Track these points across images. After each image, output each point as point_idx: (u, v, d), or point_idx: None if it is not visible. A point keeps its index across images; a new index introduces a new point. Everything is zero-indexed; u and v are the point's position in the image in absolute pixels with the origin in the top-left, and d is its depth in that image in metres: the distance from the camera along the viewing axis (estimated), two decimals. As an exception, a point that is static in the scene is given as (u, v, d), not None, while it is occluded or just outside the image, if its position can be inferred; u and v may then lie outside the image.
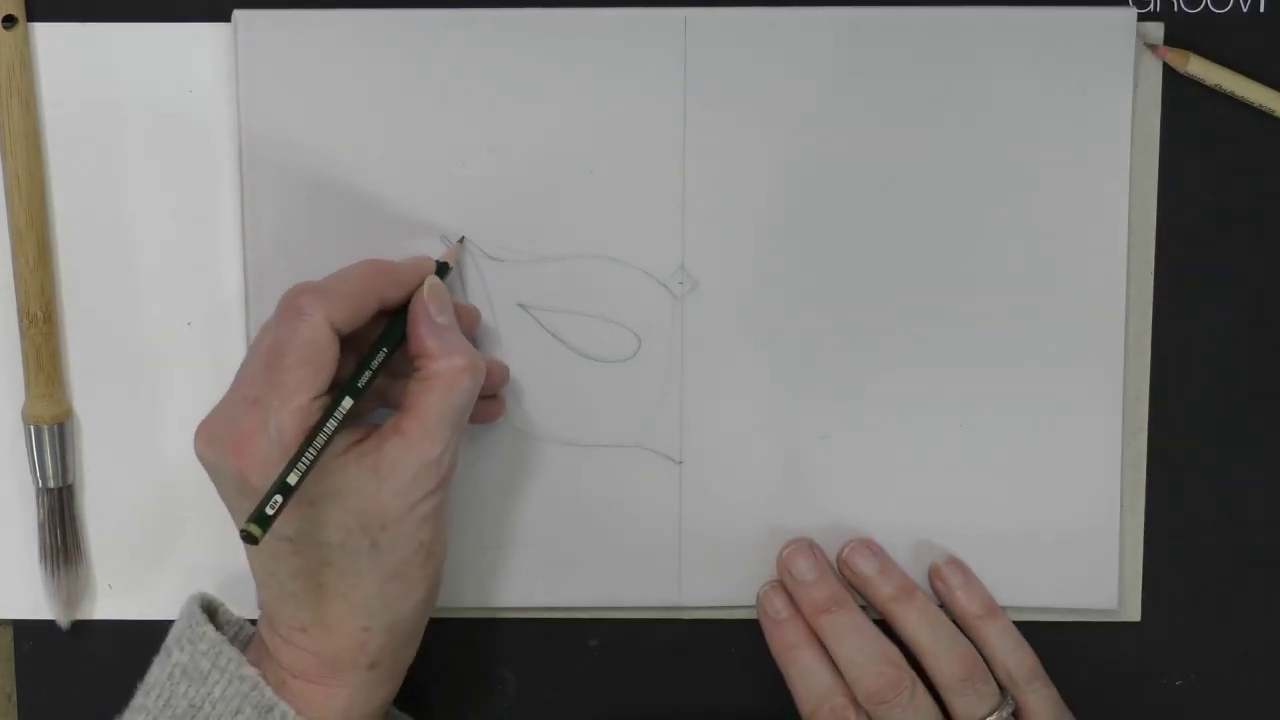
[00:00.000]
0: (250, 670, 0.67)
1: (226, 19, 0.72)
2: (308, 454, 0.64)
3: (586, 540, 0.75)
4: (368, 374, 0.67)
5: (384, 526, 0.66)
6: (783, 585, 0.74)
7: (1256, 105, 0.73)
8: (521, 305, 0.73)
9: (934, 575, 0.74)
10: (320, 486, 0.65)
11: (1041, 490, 0.74)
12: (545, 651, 0.76)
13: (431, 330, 0.67)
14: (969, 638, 0.73)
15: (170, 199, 0.73)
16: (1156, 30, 0.73)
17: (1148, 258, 0.74)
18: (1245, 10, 0.73)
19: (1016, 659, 0.73)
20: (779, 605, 0.74)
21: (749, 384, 0.74)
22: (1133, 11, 0.72)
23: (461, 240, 0.72)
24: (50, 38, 0.72)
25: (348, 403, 0.66)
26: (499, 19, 0.72)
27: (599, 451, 0.74)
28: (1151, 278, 0.74)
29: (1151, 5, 0.73)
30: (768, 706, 0.76)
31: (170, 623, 0.73)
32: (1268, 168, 0.74)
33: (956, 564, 0.74)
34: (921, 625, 0.72)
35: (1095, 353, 0.74)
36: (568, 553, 0.75)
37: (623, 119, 0.72)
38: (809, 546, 0.74)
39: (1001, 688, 0.72)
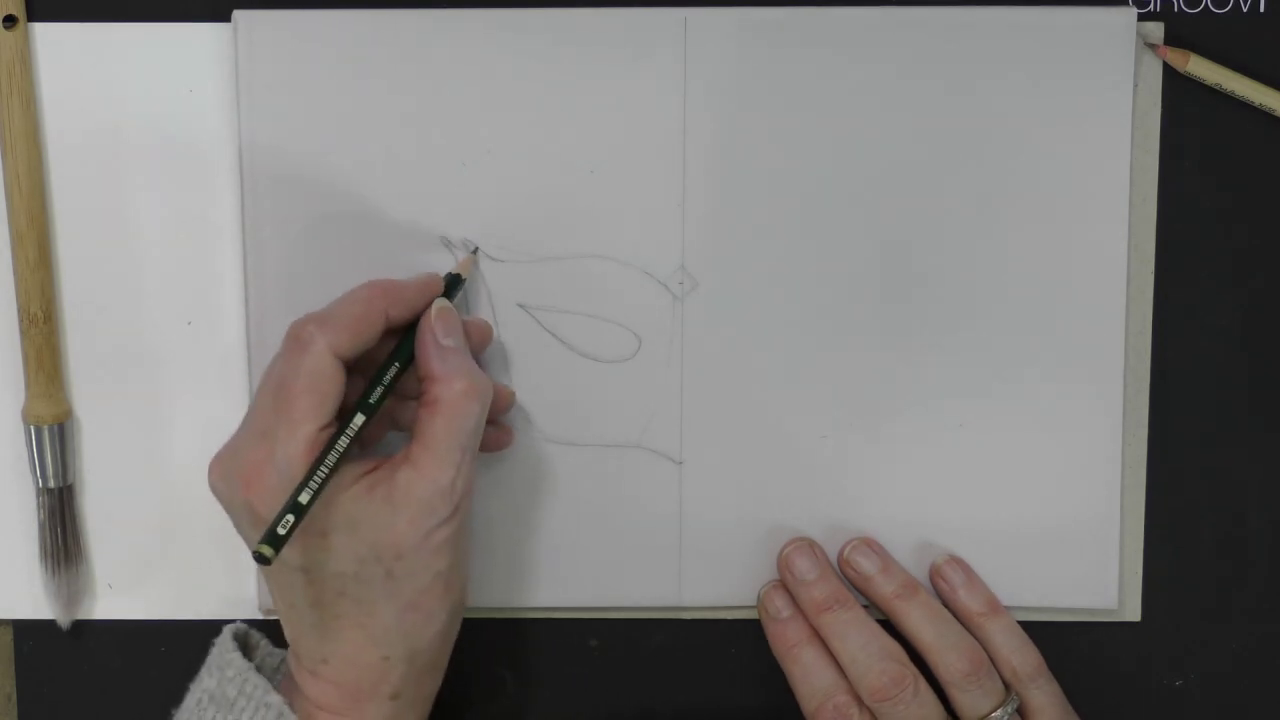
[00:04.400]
0: (275, 697, 0.68)
1: (226, 19, 0.72)
2: (319, 473, 0.64)
3: (586, 540, 0.75)
4: (379, 389, 0.67)
5: (399, 555, 0.66)
6: (784, 585, 0.74)
7: (1256, 105, 0.73)
8: (521, 305, 0.73)
9: (935, 574, 0.74)
10: (333, 517, 0.66)
11: (1042, 490, 0.74)
12: (545, 651, 0.76)
13: (436, 353, 0.68)
14: (976, 635, 0.73)
15: (170, 199, 0.73)
16: (1156, 30, 0.73)
17: (1148, 258, 0.74)
18: (1245, 10, 0.73)
19: (1021, 656, 0.73)
20: (780, 604, 0.74)
21: (749, 384, 0.74)
22: (1133, 11, 0.72)
23: (475, 251, 0.72)
24: (50, 38, 0.72)
25: (360, 419, 0.66)
26: (499, 19, 0.72)
27: (599, 451, 0.74)
28: (1151, 278, 0.74)
29: (1151, 5, 0.73)
30: (768, 706, 0.76)
31: (169, 623, 0.73)
32: (1268, 168, 0.74)
33: (957, 562, 0.74)
34: (925, 622, 0.72)
35: (1095, 353, 0.74)
36: (568, 553, 0.75)
37: (623, 119, 0.72)
38: (809, 546, 0.74)
39: (1006, 685, 0.72)
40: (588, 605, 0.75)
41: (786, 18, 0.72)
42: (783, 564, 0.74)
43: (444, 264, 0.73)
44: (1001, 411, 0.74)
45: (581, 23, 0.72)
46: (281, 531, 0.63)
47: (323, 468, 0.64)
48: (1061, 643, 0.75)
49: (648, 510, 0.75)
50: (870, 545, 0.74)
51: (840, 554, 0.74)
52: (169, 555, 0.75)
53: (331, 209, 0.72)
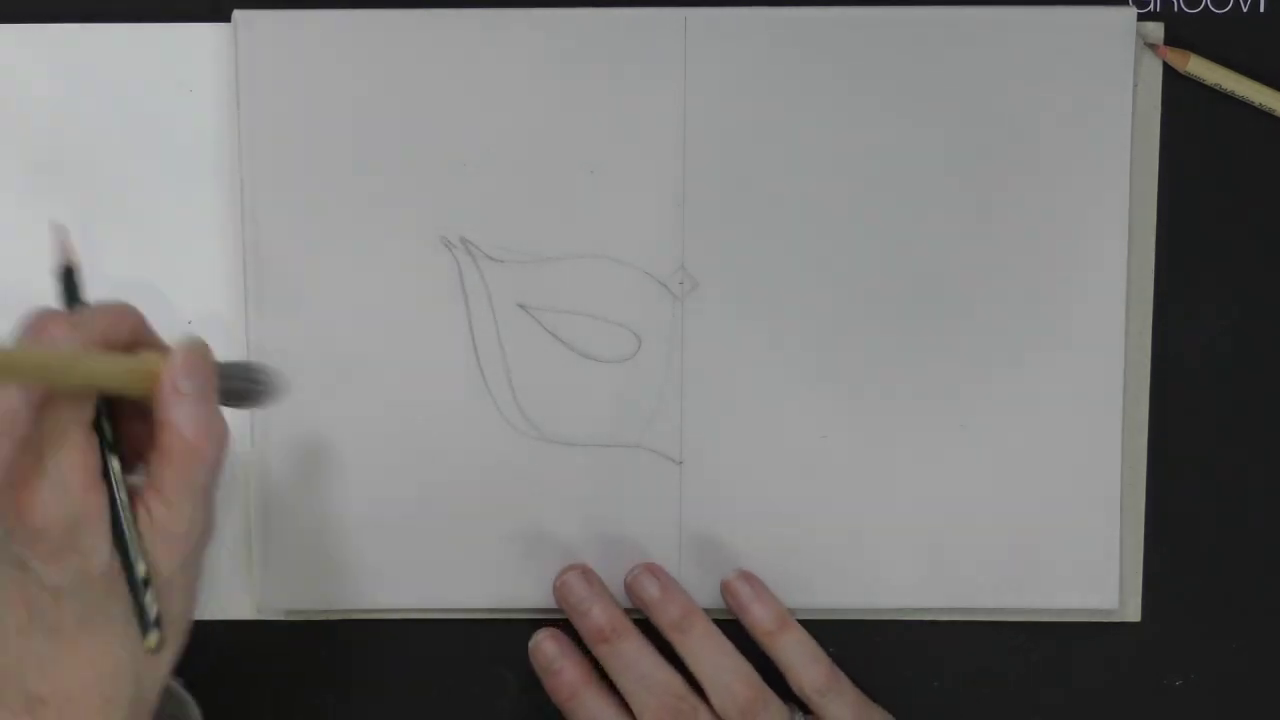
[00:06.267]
0: None
1: (226, 19, 0.72)
2: (124, 527, 0.61)
3: (586, 540, 0.75)
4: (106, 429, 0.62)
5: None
6: (550, 633, 0.74)
7: (1256, 105, 0.73)
8: (521, 305, 0.73)
9: (725, 591, 0.74)
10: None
11: (1041, 490, 0.74)
12: (545, 651, 0.76)
13: (173, 400, 0.62)
14: (766, 651, 0.73)
15: (170, 199, 0.73)
16: (1156, 30, 0.73)
17: (1148, 257, 0.74)
18: (1245, 10, 0.73)
19: (810, 673, 0.72)
20: (551, 654, 0.73)
21: (749, 384, 0.74)
22: (1133, 11, 0.72)
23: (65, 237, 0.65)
24: (51, 38, 0.72)
25: (116, 464, 0.61)
26: (499, 19, 0.72)
27: (599, 451, 0.74)
28: (1151, 278, 0.74)
29: (1151, 5, 0.73)
30: (768, 706, 0.76)
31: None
32: (1268, 168, 0.74)
33: (746, 577, 0.74)
34: (701, 655, 0.72)
35: (1095, 352, 0.74)
36: (568, 553, 0.75)
37: (622, 119, 0.72)
38: (582, 572, 0.74)
39: (800, 700, 0.72)
40: (588, 605, 0.75)
41: (786, 18, 0.72)
42: (559, 595, 0.74)
43: (444, 264, 0.73)
44: (1001, 412, 0.74)
45: (581, 23, 0.72)
46: (153, 615, 0.61)
47: (123, 519, 0.61)
48: (1061, 643, 0.75)
49: (648, 510, 0.75)
50: (653, 570, 0.74)
51: (625, 581, 0.74)
52: (169, 555, 0.75)
53: (331, 209, 0.73)
